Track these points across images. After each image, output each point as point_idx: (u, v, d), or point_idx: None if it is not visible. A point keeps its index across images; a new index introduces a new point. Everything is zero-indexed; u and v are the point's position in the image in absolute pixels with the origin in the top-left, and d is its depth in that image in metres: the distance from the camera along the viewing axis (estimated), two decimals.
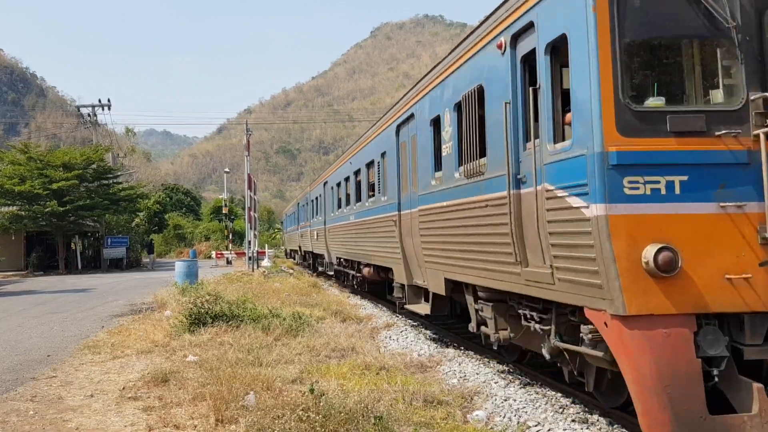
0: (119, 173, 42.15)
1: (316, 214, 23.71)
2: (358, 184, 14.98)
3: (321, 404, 5.25)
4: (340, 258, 18.59)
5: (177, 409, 6.04)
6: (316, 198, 23.78)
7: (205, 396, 6.07)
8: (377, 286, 15.26)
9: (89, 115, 42.22)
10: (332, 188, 19.11)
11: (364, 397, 5.80)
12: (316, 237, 23.60)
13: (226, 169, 61.91)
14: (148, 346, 9.39)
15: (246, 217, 30.30)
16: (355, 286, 17.40)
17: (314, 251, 25.89)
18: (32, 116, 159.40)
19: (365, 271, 14.33)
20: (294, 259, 41.09)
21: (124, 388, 6.99)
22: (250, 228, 29.04)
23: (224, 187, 57.53)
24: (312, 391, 5.57)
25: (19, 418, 5.99)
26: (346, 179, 16.52)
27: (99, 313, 14.59)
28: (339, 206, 17.87)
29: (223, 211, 51.97)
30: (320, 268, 25.29)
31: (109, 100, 41.99)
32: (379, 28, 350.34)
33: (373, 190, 13.09)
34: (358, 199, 14.79)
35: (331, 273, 21.41)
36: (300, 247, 33.00)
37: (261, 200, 67.90)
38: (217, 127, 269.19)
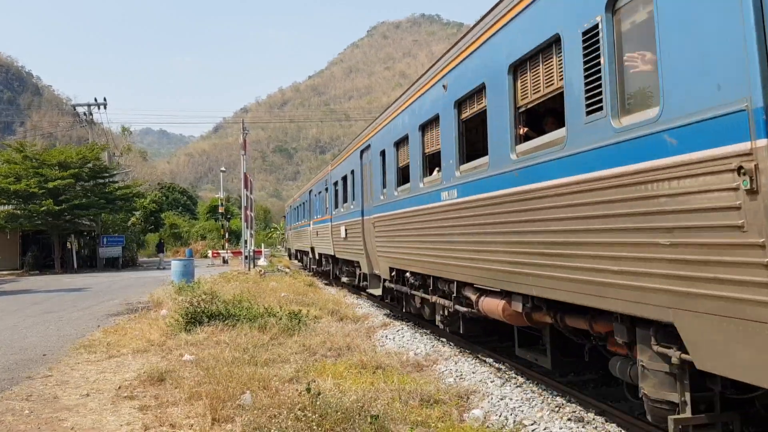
0: (115, 172, 42.07)
1: (344, 200, 16.61)
2: (463, 127, 7.71)
3: (317, 403, 5.25)
4: (401, 271, 10.91)
5: (173, 408, 6.03)
6: (344, 178, 16.59)
7: (202, 395, 6.06)
8: (491, 331, 8.80)
9: (85, 114, 42.13)
10: (380, 155, 11.98)
11: (361, 397, 5.81)
12: (344, 235, 16.05)
13: (222, 168, 62.15)
14: (144, 346, 9.37)
15: (242, 216, 30.25)
16: (442, 326, 9.35)
17: (337, 255, 18.09)
18: (28, 115, 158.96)
19: (486, 303, 7.06)
20: (301, 262, 32.66)
21: (119, 388, 6.97)
22: (247, 227, 29.01)
23: (220, 186, 57.61)
24: (308, 390, 5.57)
25: (15, 417, 5.98)
26: (424, 128, 9.10)
27: (95, 313, 14.55)
28: (400, 182, 10.67)
29: (220, 211, 52.02)
30: (345, 279, 17.66)
31: (105, 99, 42.02)
32: (375, 27, 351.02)
33: (534, 124, 6.50)
34: (467, 157, 7.63)
35: (376, 293, 13.11)
36: (313, 249, 24.74)
37: (257, 199, 67.86)
38: (213, 126, 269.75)
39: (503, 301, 6.58)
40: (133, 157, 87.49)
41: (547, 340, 6.58)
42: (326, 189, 20.30)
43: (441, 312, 9.18)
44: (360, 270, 14.86)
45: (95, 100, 41.89)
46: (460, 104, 7.65)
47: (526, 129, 6.21)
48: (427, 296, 9.58)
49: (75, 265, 37.31)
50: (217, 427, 5.36)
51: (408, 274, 10.41)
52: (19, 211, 34.89)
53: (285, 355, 8.27)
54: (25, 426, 5.71)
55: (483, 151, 7.03)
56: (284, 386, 6.54)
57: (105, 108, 42.11)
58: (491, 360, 8.37)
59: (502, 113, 6.29)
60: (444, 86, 8.07)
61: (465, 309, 7.89)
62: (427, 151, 9.12)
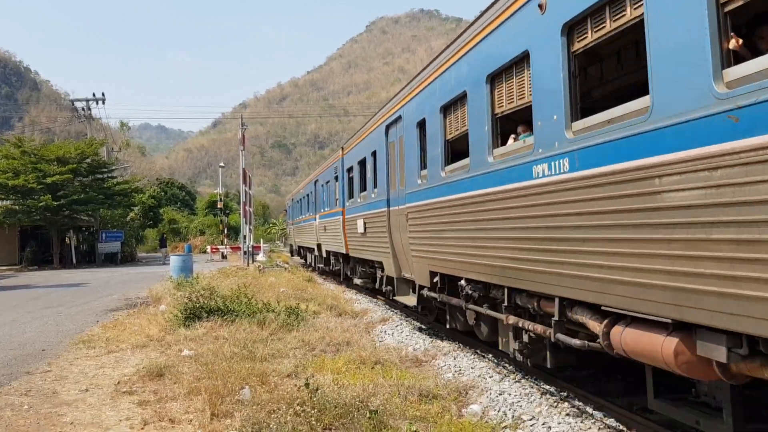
0: (114, 167, 42.03)
1: (362, 189, 14.14)
2: (575, 64, 5.14)
3: (316, 398, 5.26)
4: (447, 276, 8.38)
5: (172, 403, 6.04)
6: (361, 162, 14.13)
7: (201, 390, 6.07)
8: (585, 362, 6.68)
9: (83, 109, 42.06)
10: (417, 127, 9.29)
11: (360, 392, 5.82)
12: (361, 230, 13.76)
13: (221, 164, 62.03)
14: (143, 341, 9.37)
15: (241, 211, 30.23)
16: (521, 357, 6.48)
17: (352, 254, 15.89)
18: (26, 110, 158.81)
19: (634, 339, 4.33)
20: (305, 260, 30.19)
21: (119, 383, 6.98)
22: (245, 223, 29.00)
23: (219, 182, 57.56)
24: (307, 385, 5.58)
25: (14, 412, 5.98)
26: (496, 78, 6.47)
27: (94, 308, 14.54)
28: (449, 159, 8.05)
29: (218, 206, 52.00)
30: (358, 281, 15.53)
31: (103, 94, 41.92)
32: (374, 22, 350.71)
33: None
34: (581, 110, 5.11)
35: (409, 302, 10.39)
36: (320, 245, 22.21)
37: (256, 195, 67.86)
38: (212, 121, 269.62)
39: (676, 340, 3.89)
40: (131, 153, 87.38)
41: (726, 397, 4.08)
42: (336, 178, 17.69)
43: (516, 336, 6.48)
44: (383, 272, 12.39)
45: (93, 95, 41.87)
46: (571, 28, 5.04)
47: (740, 41, 3.64)
48: (498, 315, 6.64)
49: (74, 261, 37.31)
50: (216, 422, 5.36)
51: (463, 282, 7.49)
52: (17, 207, 34.87)
53: (284, 351, 8.27)
54: (24, 421, 5.71)
55: (617, 98, 4.92)
56: (283, 381, 6.55)
57: (103, 103, 42.06)
58: (490, 355, 8.38)
59: (689, 20, 3.61)
60: (540, 5, 5.38)
61: (579, 342, 5.03)
62: (498, 111, 6.44)
